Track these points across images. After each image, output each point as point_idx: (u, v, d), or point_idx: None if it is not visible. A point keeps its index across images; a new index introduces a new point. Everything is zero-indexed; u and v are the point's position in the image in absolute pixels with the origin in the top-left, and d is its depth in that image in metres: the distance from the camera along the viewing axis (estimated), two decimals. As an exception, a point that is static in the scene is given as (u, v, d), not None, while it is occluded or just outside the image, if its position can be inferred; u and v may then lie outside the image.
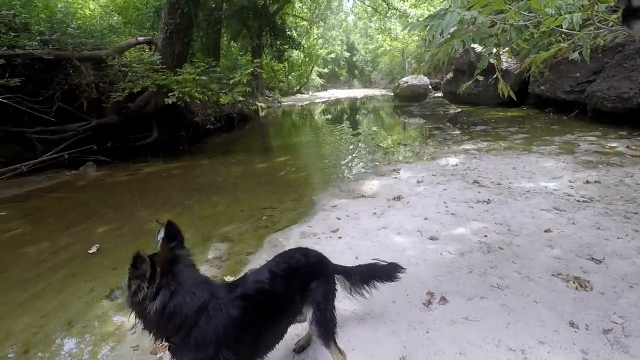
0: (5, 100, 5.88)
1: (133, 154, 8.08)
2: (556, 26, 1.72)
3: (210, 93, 8.60)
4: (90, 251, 3.63)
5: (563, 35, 2.06)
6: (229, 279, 2.95)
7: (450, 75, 16.40)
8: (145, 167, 7.39)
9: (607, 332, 1.95)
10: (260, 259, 3.13)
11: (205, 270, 3.16)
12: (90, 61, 7.96)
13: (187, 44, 10.17)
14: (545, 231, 3.19)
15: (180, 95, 7.64)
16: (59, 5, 8.87)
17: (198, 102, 8.91)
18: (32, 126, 6.90)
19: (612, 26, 1.75)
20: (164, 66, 8.25)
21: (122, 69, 7.97)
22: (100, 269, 3.33)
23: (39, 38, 6.90)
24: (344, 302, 2.24)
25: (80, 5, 11.18)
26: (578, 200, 3.87)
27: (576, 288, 2.35)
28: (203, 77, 8.29)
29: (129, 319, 2.49)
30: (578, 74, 9.08)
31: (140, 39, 9.80)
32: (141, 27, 12.70)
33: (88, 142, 7.51)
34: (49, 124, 7.02)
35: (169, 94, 7.64)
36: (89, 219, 4.61)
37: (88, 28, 9.22)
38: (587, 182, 4.41)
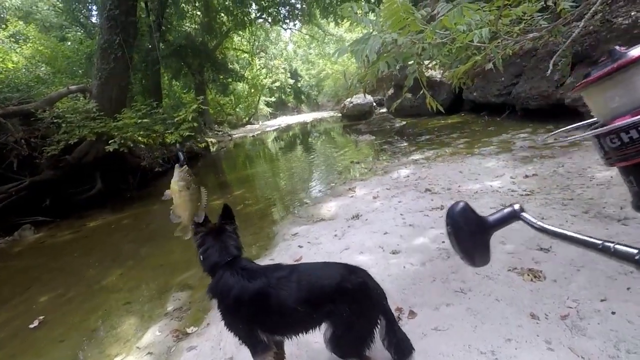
0: None
1: (76, 209, 7.54)
2: (469, 41, 1.88)
3: (155, 135, 8.33)
4: (32, 325, 3.27)
5: (476, 50, 2.25)
6: (192, 329, 2.77)
7: (391, 91, 17.20)
8: (91, 221, 6.89)
9: (565, 317, 2.04)
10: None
11: (165, 324, 2.95)
12: (17, 116, 7.42)
13: (124, 88, 9.84)
14: (497, 228, 3.35)
15: (122, 141, 7.32)
16: (-25, 61, 8.31)
17: (143, 145, 8.56)
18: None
19: (516, 37, 1.95)
20: (101, 113, 7.89)
21: (55, 120, 7.50)
22: (45, 343, 2.99)
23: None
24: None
25: (0, 59, 10.51)
26: (521, 195, 4.13)
27: (531, 280, 2.46)
28: (145, 120, 8.03)
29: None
30: (503, 79, 9.90)
31: (73, 87, 9.34)
32: (73, 76, 12.18)
33: (24, 203, 6.92)
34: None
35: (110, 142, 7.28)
36: (29, 288, 4.17)
37: (12, 82, 8.67)
38: (527, 176, 4.74)
